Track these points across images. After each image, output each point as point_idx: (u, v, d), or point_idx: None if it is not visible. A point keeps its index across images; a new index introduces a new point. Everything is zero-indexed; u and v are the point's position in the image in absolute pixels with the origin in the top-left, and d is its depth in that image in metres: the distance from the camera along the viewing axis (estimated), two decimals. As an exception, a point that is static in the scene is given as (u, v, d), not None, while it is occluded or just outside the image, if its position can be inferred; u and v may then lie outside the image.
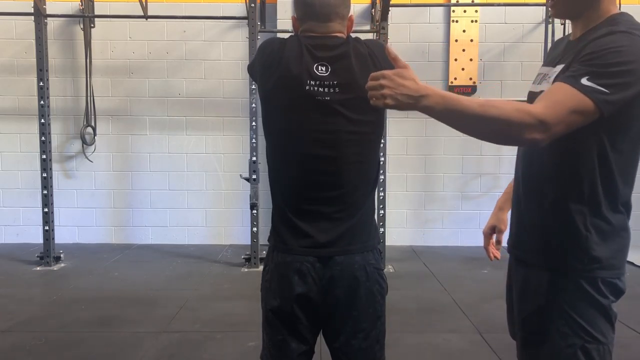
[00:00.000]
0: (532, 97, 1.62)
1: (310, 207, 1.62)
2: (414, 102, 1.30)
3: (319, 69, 1.59)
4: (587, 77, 1.31)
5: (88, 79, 5.94)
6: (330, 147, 1.60)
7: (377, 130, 1.68)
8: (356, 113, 1.60)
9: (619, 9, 1.53)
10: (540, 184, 1.53)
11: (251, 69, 1.74)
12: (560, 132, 1.33)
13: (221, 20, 5.96)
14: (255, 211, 5.11)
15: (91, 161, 6.12)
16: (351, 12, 1.71)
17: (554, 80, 1.47)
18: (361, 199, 1.66)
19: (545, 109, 1.31)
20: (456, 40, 6.03)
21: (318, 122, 1.59)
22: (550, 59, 1.62)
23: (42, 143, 5.15)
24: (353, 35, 1.71)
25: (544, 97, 1.36)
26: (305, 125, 1.60)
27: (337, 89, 1.59)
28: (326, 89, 1.58)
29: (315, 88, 1.58)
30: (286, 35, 1.70)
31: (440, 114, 1.31)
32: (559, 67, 1.50)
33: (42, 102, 5.10)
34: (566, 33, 1.65)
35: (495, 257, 1.83)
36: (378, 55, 1.63)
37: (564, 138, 1.45)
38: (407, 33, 6.06)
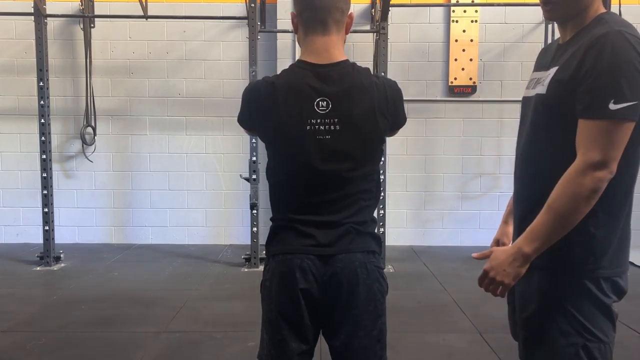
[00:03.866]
0: (526, 102, 1.65)
1: (312, 219, 1.64)
2: (523, 265, 1.46)
3: (320, 105, 1.58)
4: (613, 101, 1.35)
5: (88, 79, 5.94)
6: (332, 178, 1.62)
7: (378, 159, 1.70)
8: (356, 149, 1.62)
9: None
10: (541, 186, 1.53)
11: (241, 120, 1.71)
12: (618, 156, 1.39)
13: (221, 20, 5.96)
14: (255, 211, 5.10)
15: (91, 161, 6.12)
16: (351, 10, 1.70)
17: (549, 82, 1.48)
18: (363, 213, 1.67)
19: (587, 153, 1.37)
20: (456, 40, 6.03)
21: (320, 157, 1.60)
22: (542, 64, 1.64)
23: (42, 143, 5.15)
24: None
25: (581, 142, 1.40)
26: (308, 161, 1.61)
27: (337, 126, 1.59)
28: (327, 127, 1.59)
29: (316, 127, 1.58)
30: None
31: (543, 248, 1.44)
32: (553, 70, 1.51)
33: (42, 102, 5.10)
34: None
35: None
36: (390, 99, 1.64)
37: (562, 141, 1.47)
38: (407, 33, 6.06)
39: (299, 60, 1.67)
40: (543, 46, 5.96)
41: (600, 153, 1.36)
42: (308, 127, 1.58)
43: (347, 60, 1.66)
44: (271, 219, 1.73)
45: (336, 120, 1.59)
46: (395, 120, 1.68)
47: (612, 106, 1.34)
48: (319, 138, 1.59)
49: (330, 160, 1.60)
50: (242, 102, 1.69)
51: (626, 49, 1.35)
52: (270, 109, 1.61)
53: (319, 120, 1.58)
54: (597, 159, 1.36)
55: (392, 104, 1.66)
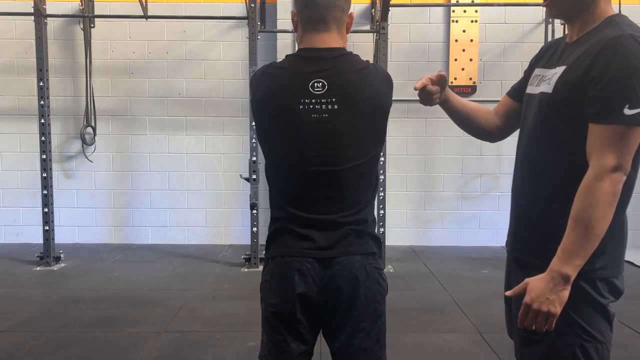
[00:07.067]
0: (529, 99, 1.63)
1: (312, 217, 1.62)
2: (565, 288, 1.40)
3: (315, 86, 1.57)
4: (627, 106, 1.34)
5: (88, 79, 5.94)
6: (332, 163, 1.59)
7: (377, 142, 1.66)
8: (356, 128, 1.59)
9: (619, 9, 1.54)
10: (543, 186, 1.53)
11: (253, 105, 1.72)
12: (631, 159, 1.39)
13: (221, 20, 5.96)
14: (255, 211, 5.11)
15: (91, 161, 6.12)
16: (351, 10, 1.70)
17: (557, 82, 1.47)
18: (362, 212, 1.65)
19: (602, 158, 1.37)
20: (456, 40, 6.03)
21: (317, 141, 1.58)
22: (546, 61, 1.62)
23: (42, 143, 5.15)
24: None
25: (595, 147, 1.39)
26: (303, 143, 1.59)
27: (335, 105, 1.57)
28: (323, 106, 1.57)
29: (311, 106, 1.56)
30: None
31: (582, 265, 1.40)
32: (560, 69, 1.50)
33: (42, 102, 5.10)
34: (566, 33, 1.65)
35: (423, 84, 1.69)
36: (390, 83, 1.66)
37: (566, 140, 1.46)
38: (407, 33, 6.06)
39: (298, 49, 1.67)
40: (543, 46, 5.98)
41: (616, 157, 1.36)
42: (301, 107, 1.56)
43: (344, 48, 1.66)
44: (270, 220, 1.71)
45: (334, 100, 1.57)
46: (390, 104, 1.69)
47: (627, 111, 1.34)
48: (314, 117, 1.56)
49: (326, 143, 1.58)
50: (250, 87, 1.71)
51: (638, 54, 1.35)
52: (264, 93, 1.61)
53: (313, 100, 1.56)
54: (613, 164, 1.36)
55: (390, 87, 1.66)
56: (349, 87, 1.58)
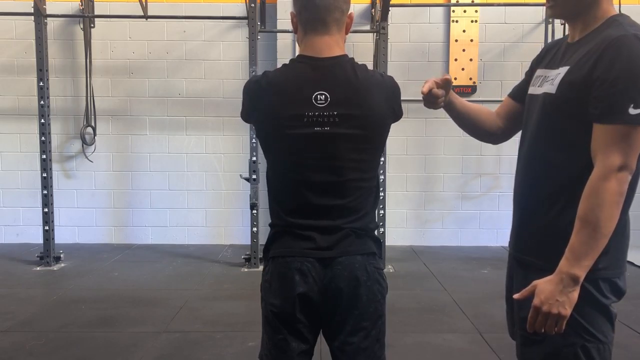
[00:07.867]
0: (531, 100, 1.62)
1: (311, 223, 1.62)
2: (575, 289, 1.40)
3: (318, 98, 1.57)
4: (632, 106, 1.34)
5: (88, 79, 5.94)
6: (332, 173, 1.60)
7: (378, 152, 1.67)
8: (358, 140, 1.59)
9: (619, 9, 1.54)
10: (545, 186, 1.53)
11: (245, 116, 1.71)
12: (636, 158, 1.39)
13: (221, 20, 5.96)
14: (255, 211, 5.10)
15: (91, 161, 6.11)
16: (351, 10, 1.70)
17: (560, 82, 1.47)
18: (364, 219, 1.66)
19: (607, 158, 1.37)
20: (456, 40, 6.03)
21: (319, 152, 1.58)
22: (548, 62, 1.62)
23: (42, 143, 5.15)
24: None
25: (600, 147, 1.39)
26: (306, 155, 1.59)
27: (337, 118, 1.57)
28: (326, 119, 1.57)
29: (314, 119, 1.56)
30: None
31: (590, 265, 1.40)
32: (563, 69, 1.49)
33: (42, 102, 5.10)
34: (566, 33, 1.65)
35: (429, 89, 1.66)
36: (396, 92, 1.66)
37: (569, 140, 1.46)
38: (407, 33, 6.06)
39: (298, 55, 1.66)
40: (543, 46, 5.96)
41: (621, 157, 1.36)
42: (305, 120, 1.57)
43: (346, 55, 1.65)
44: (270, 225, 1.71)
45: (335, 112, 1.57)
46: (398, 114, 1.68)
47: (632, 111, 1.34)
48: (317, 129, 1.57)
49: (328, 154, 1.58)
50: (243, 97, 1.69)
51: None
52: (267, 104, 1.61)
53: (317, 113, 1.56)
54: (618, 163, 1.36)
55: (396, 97, 1.66)
56: (350, 99, 1.58)
